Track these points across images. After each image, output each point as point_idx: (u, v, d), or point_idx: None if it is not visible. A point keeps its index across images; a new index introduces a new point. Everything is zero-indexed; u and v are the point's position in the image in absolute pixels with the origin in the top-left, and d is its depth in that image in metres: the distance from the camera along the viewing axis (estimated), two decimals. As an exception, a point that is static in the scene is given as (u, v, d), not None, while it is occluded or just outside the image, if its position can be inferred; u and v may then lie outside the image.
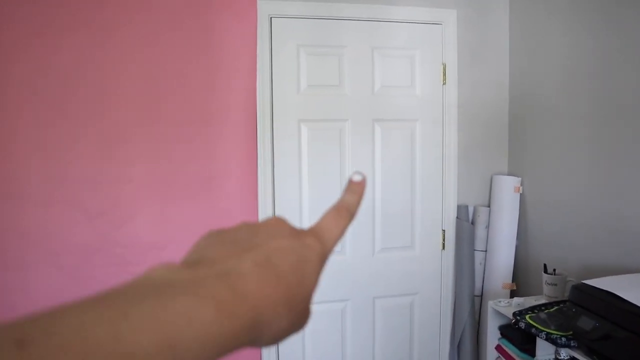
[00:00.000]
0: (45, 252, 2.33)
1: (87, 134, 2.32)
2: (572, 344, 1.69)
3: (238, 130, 2.45)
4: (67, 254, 2.36)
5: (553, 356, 1.87)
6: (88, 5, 2.30)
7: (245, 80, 2.44)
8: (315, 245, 0.36)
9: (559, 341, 1.71)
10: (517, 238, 2.63)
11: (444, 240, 2.72)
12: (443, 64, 2.64)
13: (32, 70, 2.26)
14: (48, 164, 2.30)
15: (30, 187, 2.29)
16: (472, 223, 2.72)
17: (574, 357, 1.79)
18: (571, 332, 1.70)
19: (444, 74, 2.64)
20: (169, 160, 2.41)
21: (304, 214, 2.55)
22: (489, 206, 2.73)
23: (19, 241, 2.30)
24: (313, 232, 0.37)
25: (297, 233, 0.36)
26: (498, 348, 2.25)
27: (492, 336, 2.27)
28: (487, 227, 2.69)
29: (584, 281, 1.67)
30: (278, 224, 0.37)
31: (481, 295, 2.72)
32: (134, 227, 2.41)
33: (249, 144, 2.46)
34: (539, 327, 1.82)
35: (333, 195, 2.52)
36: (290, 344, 2.59)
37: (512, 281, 2.64)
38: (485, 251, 2.69)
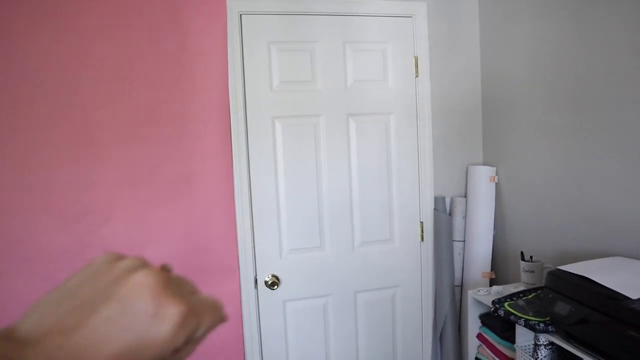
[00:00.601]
0: (20, 260, 2.29)
1: (58, 138, 2.28)
2: (550, 329, 1.70)
3: (212, 129, 2.43)
4: (43, 260, 2.32)
5: (532, 342, 1.89)
6: (54, 3, 2.26)
7: (217, 79, 2.42)
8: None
9: (537, 327, 1.72)
10: (494, 227, 2.66)
11: (422, 232, 2.73)
12: (415, 57, 2.65)
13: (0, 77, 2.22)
14: (21, 169, 2.26)
15: (2, 194, 2.25)
16: (450, 214, 2.73)
17: (552, 341, 1.81)
18: (549, 318, 1.72)
19: (416, 67, 2.65)
20: (143, 162, 2.38)
21: (282, 210, 2.54)
22: (465, 197, 2.75)
23: (-7, 250, 2.26)
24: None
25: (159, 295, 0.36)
26: (479, 336, 2.26)
27: (473, 325, 2.29)
28: (465, 217, 2.70)
29: (559, 267, 1.69)
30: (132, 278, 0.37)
31: (461, 285, 2.74)
32: (112, 230, 2.38)
33: (223, 142, 2.45)
34: (518, 314, 1.84)
35: (309, 191, 2.52)
36: (273, 341, 2.58)
37: (491, 270, 2.66)
38: (464, 241, 2.71)
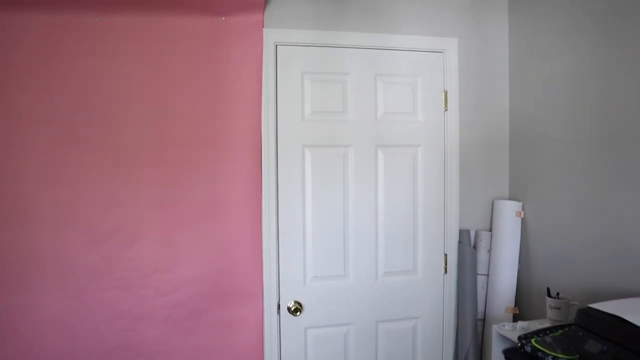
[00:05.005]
0: (51, 275, 2.34)
1: (93, 157, 2.35)
2: (579, 368, 1.70)
3: (243, 155, 2.48)
4: (72, 277, 2.36)
5: (559, 380, 1.88)
6: (96, 30, 2.34)
7: (251, 106, 2.48)
8: None
9: (566, 365, 1.72)
10: (519, 262, 2.66)
11: (446, 264, 2.75)
12: (444, 91, 2.70)
13: (42, 96, 2.29)
14: (55, 188, 2.32)
15: (36, 211, 2.31)
16: (474, 247, 2.75)
17: (580, 380, 1.80)
18: (578, 356, 1.72)
19: (446, 101, 2.70)
20: (174, 184, 2.43)
21: (307, 238, 2.58)
22: (490, 230, 2.76)
23: (23, 264, 2.31)
24: None
25: None
26: (503, 372, 2.25)
27: (496, 360, 2.28)
28: (489, 251, 2.71)
29: (590, 305, 1.70)
30: None
31: (484, 319, 2.74)
32: (140, 250, 2.42)
33: (254, 168, 2.49)
34: (546, 350, 1.83)
35: (335, 219, 2.56)
36: (294, 369, 2.59)
37: (515, 305, 2.66)
38: (487, 275, 2.72)
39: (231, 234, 2.49)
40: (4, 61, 2.26)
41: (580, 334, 1.67)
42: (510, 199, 2.79)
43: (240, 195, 2.48)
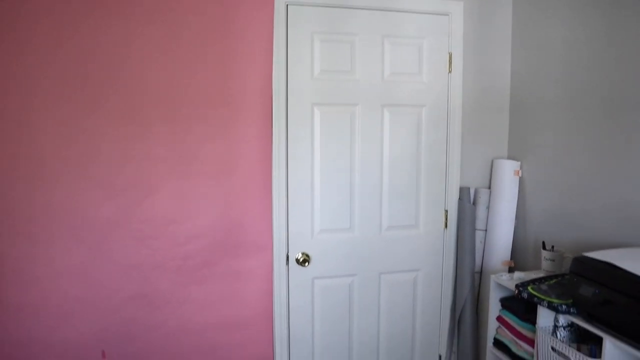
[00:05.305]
0: (69, 227, 2.43)
1: (109, 114, 2.41)
2: (572, 311, 1.85)
3: (254, 113, 2.57)
4: (89, 229, 2.46)
5: (552, 324, 2.04)
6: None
7: (262, 65, 2.55)
8: None
9: (559, 308, 1.87)
10: (516, 218, 2.80)
11: (446, 219, 2.88)
12: (449, 53, 2.78)
13: (58, 58, 2.34)
14: (70, 144, 2.39)
15: (54, 168, 2.38)
16: (474, 204, 2.87)
17: (572, 322, 1.96)
18: (571, 300, 1.86)
19: (450, 63, 2.78)
20: (187, 141, 2.51)
21: (315, 192, 2.69)
22: (489, 188, 2.89)
23: (43, 217, 2.40)
24: None
25: None
26: (499, 319, 2.41)
27: (493, 308, 2.43)
28: (488, 207, 2.84)
29: (584, 254, 1.83)
30: None
31: (481, 272, 2.89)
32: (154, 204, 2.52)
33: (265, 125, 2.58)
34: (541, 296, 1.98)
35: (342, 175, 2.67)
36: (301, 315, 2.74)
37: (511, 259, 2.80)
38: (486, 230, 2.85)
39: (242, 188, 2.59)
40: (23, 24, 2.30)
41: (575, 280, 1.81)
42: (509, 158, 2.90)
43: (251, 151, 2.58)
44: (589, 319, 1.78)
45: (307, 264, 2.70)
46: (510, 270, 2.80)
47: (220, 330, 2.66)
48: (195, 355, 2.65)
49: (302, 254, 2.70)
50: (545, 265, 2.36)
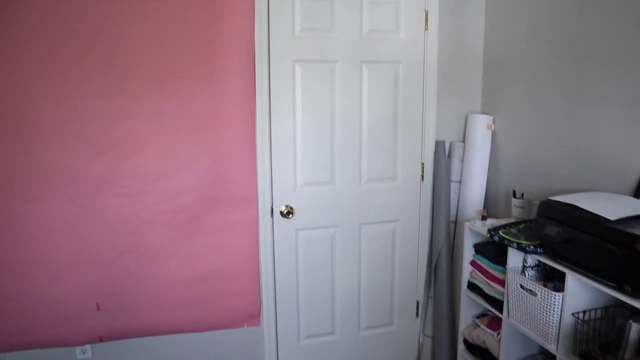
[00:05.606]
0: (60, 184, 2.49)
1: (96, 73, 2.45)
2: (538, 251, 2.00)
3: (238, 70, 2.63)
4: (80, 186, 2.52)
5: (521, 264, 2.20)
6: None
7: (245, 24, 2.60)
8: None
9: (527, 249, 2.02)
10: (489, 170, 2.94)
11: (423, 172, 3.02)
12: (425, 11, 2.86)
13: (38, 10, 2.35)
14: (58, 102, 2.43)
15: (43, 125, 2.43)
16: (449, 157, 3.01)
17: (538, 263, 2.12)
18: (538, 242, 2.02)
19: (426, 20, 2.87)
20: (173, 98, 2.56)
21: (298, 147, 2.79)
22: (464, 142, 3.02)
23: (35, 175, 2.46)
24: None
25: None
26: (473, 263, 2.57)
27: (467, 254, 2.59)
28: (462, 160, 2.98)
29: (550, 197, 1.98)
30: None
31: (455, 222, 3.04)
32: (142, 160, 2.58)
33: (248, 82, 2.65)
34: (511, 239, 2.13)
35: (323, 130, 2.77)
36: (286, 265, 2.89)
37: (484, 208, 2.96)
38: (460, 182, 3.00)
39: (228, 143, 2.68)
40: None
41: (541, 221, 1.96)
42: (482, 113, 3.03)
43: (235, 107, 2.66)
44: (553, 256, 1.94)
45: (291, 216, 2.82)
46: (483, 218, 2.95)
47: (210, 282, 2.78)
48: (186, 306, 2.77)
49: (286, 206, 2.82)
50: (516, 212, 2.52)
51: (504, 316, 2.29)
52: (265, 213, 2.79)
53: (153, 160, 2.60)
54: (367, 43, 2.80)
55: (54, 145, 2.47)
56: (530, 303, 2.07)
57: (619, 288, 1.64)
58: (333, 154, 2.85)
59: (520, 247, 2.06)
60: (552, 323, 1.96)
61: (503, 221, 2.52)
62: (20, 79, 2.38)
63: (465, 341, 2.70)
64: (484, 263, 2.47)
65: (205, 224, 2.72)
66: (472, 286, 2.59)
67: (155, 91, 2.55)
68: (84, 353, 2.74)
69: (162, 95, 2.56)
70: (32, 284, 2.55)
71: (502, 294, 2.32)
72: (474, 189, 2.93)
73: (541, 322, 2.02)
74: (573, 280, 1.86)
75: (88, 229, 2.58)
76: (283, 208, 2.81)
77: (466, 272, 2.62)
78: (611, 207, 1.73)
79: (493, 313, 2.46)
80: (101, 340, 2.70)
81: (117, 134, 2.54)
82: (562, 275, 1.92)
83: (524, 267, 2.18)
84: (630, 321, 1.66)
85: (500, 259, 2.34)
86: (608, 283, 1.68)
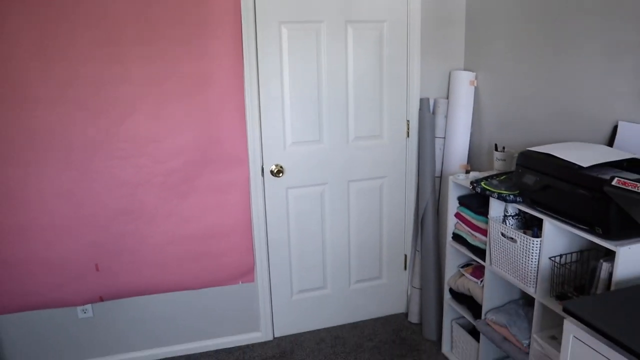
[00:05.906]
0: (54, 149, 2.55)
1: (85, 37, 2.48)
2: (518, 200, 2.10)
3: (226, 32, 2.66)
4: (74, 150, 2.58)
5: (502, 214, 2.30)
6: None
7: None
8: None
9: (508, 198, 2.12)
10: (472, 125, 3.02)
11: (408, 129, 3.10)
12: (408, -31, 2.90)
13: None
14: (50, 67, 2.47)
15: (34, 90, 2.47)
16: (433, 113, 3.09)
17: (518, 212, 2.23)
18: (518, 192, 2.12)
19: (409, -22, 2.91)
20: (163, 61, 2.60)
21: (286, 107, 2.86)
22: (447, 98, 3.09)
23: (29, 140, 2.51)
24: None
25: None
26: (457, 215, 2.68)
27: (452, 206, 2.70)
28: (446, 116, 3.06)
29: (528, 148, 2.07)
30: None
31: (440, 177, 3.14)
32: (134, 123, 2.64)
33: (236, 44, 2.68)
34: (492, 189, 2.23)
35: (310, 89, 2.83)
36: (277, 223, 2.99)
37: (467, 162, 3.05)
38: (444, 138, 3.08)
39: (217, 105, 2.73)
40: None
41: (520, 171, 2.05)
42: (465, 69, 3.10)
43: (224, 69, 2.70)
44: (531, 204, 2.04)
45: (281, 174, 2.90)
46: (467, 172, 3.05)
47: (205, 240, 2.88)
48: (183, 265, 2.87)
49: (276, 165, 2.90)
50: (497, 165, 2.61)
51: (486, 264, 2.41)
52: (256, 173, 2.87)
53: (145, 124, 2.66)
54: (351, 2, 2.83)
55: (45, 111, 2.51)
56: (511, 250, 2.18)
57: (590, 230, 1.74)
58: (321, 113, 2.92)
59: (500, 197, 2.16)
60: (531, 268, 2.08)
61: (486, 174, 2.62)
62: (8, 44, 2.40)
63: (451, 290, 2.83)
64: (467, 214, 2.58)
65: (198, 185, 2.79)
66: (456, 237, 2.70)
67: (145, 54, 2.58)
68: (85, 312, 2.84)
69: (152, 59, 2.60)
70: (33, 247, 2.63)
71: (485, 243, 2.44)
72: (457, 144, 3.02)
73: (521, 267, 2.13)
74: (550, 225, 1.96)
75: (84, 192, 2.65)
76: (273, 167, 2.89)
77: (451, 224, 2.73)
78: (584, 155, 1.83)
79: (477, 262, 2.58)
80: (101, 299, 2.80)
81: (108, 98, 2.57)
82: (541, 223, 2.03)
83: (505, 216, 2.29)
84: (602, 260, 1.78)
85: (482, 210, 2.45)
86: (581, 226, 1.78)
